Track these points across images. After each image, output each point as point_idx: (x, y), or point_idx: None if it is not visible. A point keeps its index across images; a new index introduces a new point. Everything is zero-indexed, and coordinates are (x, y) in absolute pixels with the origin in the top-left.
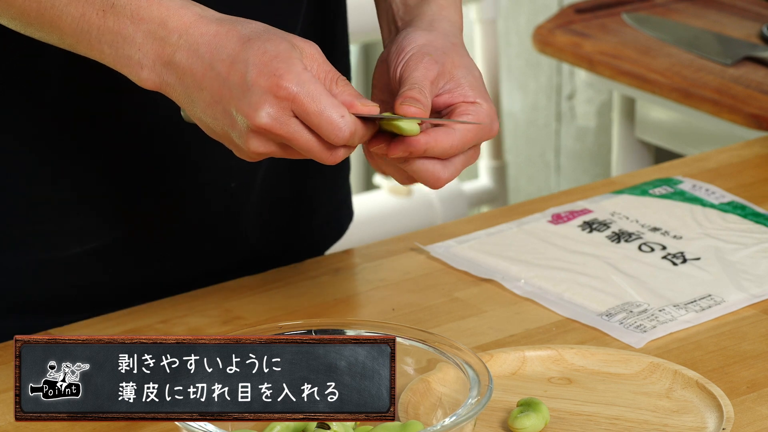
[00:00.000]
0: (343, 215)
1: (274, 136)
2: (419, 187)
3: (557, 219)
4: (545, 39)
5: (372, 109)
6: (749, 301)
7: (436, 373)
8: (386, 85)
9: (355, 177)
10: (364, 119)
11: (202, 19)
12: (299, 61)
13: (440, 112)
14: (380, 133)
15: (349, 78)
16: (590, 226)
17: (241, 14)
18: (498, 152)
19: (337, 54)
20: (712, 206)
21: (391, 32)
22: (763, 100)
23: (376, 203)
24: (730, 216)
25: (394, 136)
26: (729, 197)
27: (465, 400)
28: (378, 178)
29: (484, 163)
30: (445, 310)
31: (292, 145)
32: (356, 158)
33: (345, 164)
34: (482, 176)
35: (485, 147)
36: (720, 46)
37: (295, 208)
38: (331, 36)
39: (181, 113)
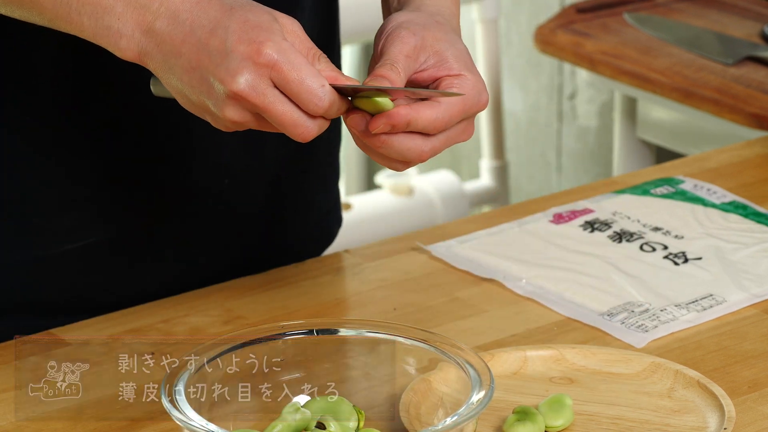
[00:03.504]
0: (332, 220)
1: (250, 105)
2: (420, 187)
3: (558, 219)
4: (546, 38)
5: (353, 81)
6: (750, 301)
7: (437, 372)
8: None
9: (355, 177)
10: (342, 94)
11: None
12: (280, 32)
13: (425, 88)
14: (359, 110)
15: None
16: (591, 225)
17: None
18: (499, 152)
19: (333, 56)
20: (714, 206)
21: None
22: (764, 99)
23: (377, 203)
24: (731, 216)
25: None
26: (730, 197)
27: (466, 400)
28: (379, 178)
29: (486, 162)
30: (446, 310)
31: (266, 116)
32: (356, 158)
33: (336, 169)
34: (483, 176)
35: (486, 147)
36: (721, 45)
37: (287, 211)
38: (330, 37)
39: (151, 86)
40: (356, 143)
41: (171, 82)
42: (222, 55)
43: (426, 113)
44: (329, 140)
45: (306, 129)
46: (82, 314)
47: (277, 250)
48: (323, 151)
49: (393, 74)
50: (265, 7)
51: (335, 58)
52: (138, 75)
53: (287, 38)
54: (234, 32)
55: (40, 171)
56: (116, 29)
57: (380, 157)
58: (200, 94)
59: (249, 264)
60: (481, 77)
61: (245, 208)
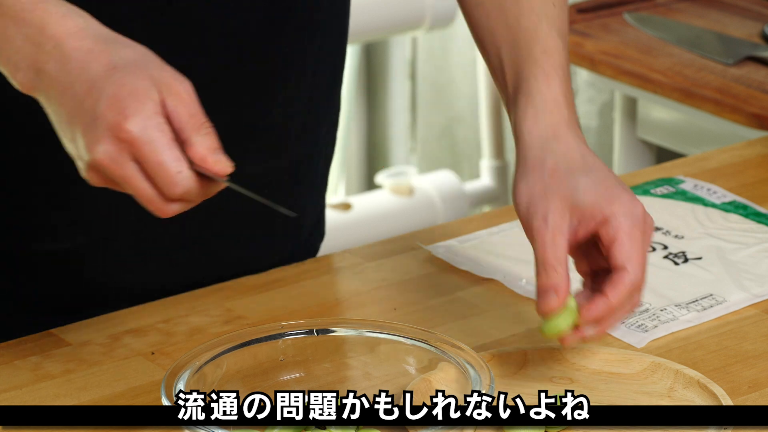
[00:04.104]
0: (317, 232)
1: (110, 173)
2: (420, 187)
3: None
4: None
5: (223, 168)
6: (750, 301)
7: (437, 372)
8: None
9: (355, 177)
10: (209, 177)
11: (81, 32)
12: (154, 104)
13: (591, 246)
14: None
15: (339, 92)
16: None
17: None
18: (499, 152)
19: (338, 80)
20: (714, 206)
21: (508, 98)
22: (764, 99)
23: (378, 203)
24: (731, 216)
25: None
26: (730, 197)
27: None
28: (379, 178)
29: (486, 162)
30: (446, 310)
31: (125, 188)
32: (356, 158)
33: (326, 181)
34: (484, 176)
35: (486, 147)
36: (721, 45)
37: (279, 217)
38: (340, 56)
39: None
40: None
41: (58, 124)
42: (91, 118)
43: (600, 307)
44: (327, 154)
45: (161, 208)
46: (81, 314)
47: (270, 252)
48: (321, 163)
49: (564, 283)
50: (158, 64)
51: (339, 75)
52: None
53: (169, 102)
54: (107, 97)
55: (35, 169)
56: (14, 62)
57: None
58: (71, 148)
59: (248, 264)
60: (637, 208)
61: (241, 212)
